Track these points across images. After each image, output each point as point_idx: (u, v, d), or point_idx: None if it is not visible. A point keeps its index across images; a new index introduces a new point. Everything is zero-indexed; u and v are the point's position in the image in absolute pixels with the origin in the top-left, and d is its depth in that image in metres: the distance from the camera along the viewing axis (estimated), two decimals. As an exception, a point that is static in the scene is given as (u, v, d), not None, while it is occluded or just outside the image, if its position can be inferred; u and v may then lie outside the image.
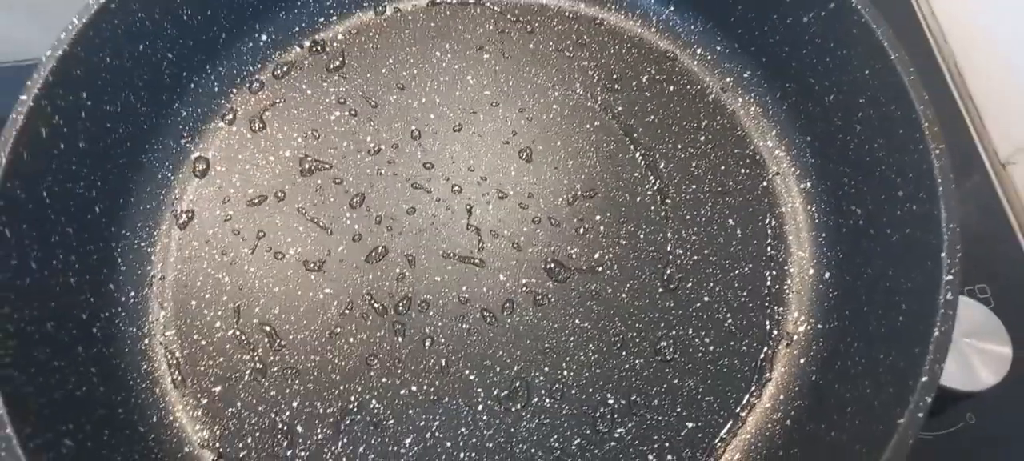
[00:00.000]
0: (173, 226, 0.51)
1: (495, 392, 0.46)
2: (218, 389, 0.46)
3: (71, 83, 0.45)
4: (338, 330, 0.47)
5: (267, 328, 0.47)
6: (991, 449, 0.51)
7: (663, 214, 0.50)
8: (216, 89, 0.54)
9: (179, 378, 0.46)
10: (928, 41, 0.67)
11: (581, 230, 0.50)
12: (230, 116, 0.54)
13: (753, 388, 0.45)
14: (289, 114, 0.54)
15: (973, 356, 0.47)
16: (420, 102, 0.54)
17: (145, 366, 0.47)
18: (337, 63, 0.55)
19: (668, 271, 0.49)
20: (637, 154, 0.52)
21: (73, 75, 0.45)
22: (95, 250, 0.47)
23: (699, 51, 0.55)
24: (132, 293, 0.48)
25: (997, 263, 0.57)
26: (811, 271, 0.48)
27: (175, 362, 0.47)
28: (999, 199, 0.60)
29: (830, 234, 0.48)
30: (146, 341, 0.47)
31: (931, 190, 0.40)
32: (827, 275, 0.47)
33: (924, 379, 0.36)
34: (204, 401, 0.46)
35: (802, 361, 0.46)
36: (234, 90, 0.55)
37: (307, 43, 0.56)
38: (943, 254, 0.38)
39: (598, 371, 0.46)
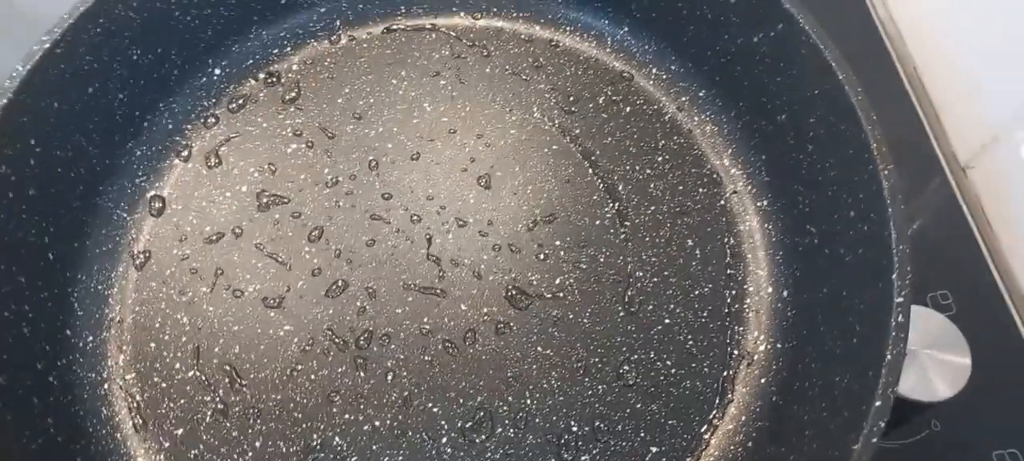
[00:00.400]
0: (130, 267, 0.50)
1: (459, 424, 0.46)
2: (180, 432, 0.46)
3: (17, 132, 0.44)
4: (299, 367, 0.47)
5: (227, 368, 0.47)
6: (957, 456, 0.51)
7: (623, 237, 0.50)
8: (170, 126, 0.54)
9: (140, 422, 0.46)
10: (885, 44, 0.68)
11: (541, 256, 0.50)
12: (185, 153, 0.53)
13: (715, 410, 0.46)
14: (245, 148, 0.53)
15: (931, 368, 0.48)
16: (377, 131, 0.54)
17: (105, 412, 0.46)
18: (293, 94, 0.55)
19: (629, 293, 0.49)
20: (595, 177, 0.52)
21: (19, 123, 0.44)
22: (50, 297, 0.46)
23: (654, 71, 0.55)
24: (90, 338, 0.48)
25: (957, 269, 0.58)
26: (769, 290, 0.48)
27: (136, 406, 0.46)
28: (959, 204, 0.60)
29: (787, 252, 0.48)
30: (106, 386, 0.47)
31: (881, 210, 0.40)
32: (785, 293, 0.48)
33: (877, 403, 0.36)
34: (166, 445, 0.45)
35: (763, 381, 0.46)
36: (189, 126, 0.54)
37: (262, 75, 0.56)
38: (894, 276, 0.38)
39: (561, 398, 0.46)
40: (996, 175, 0.61)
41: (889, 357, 0.37)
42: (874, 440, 0.36)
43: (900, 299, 0.38)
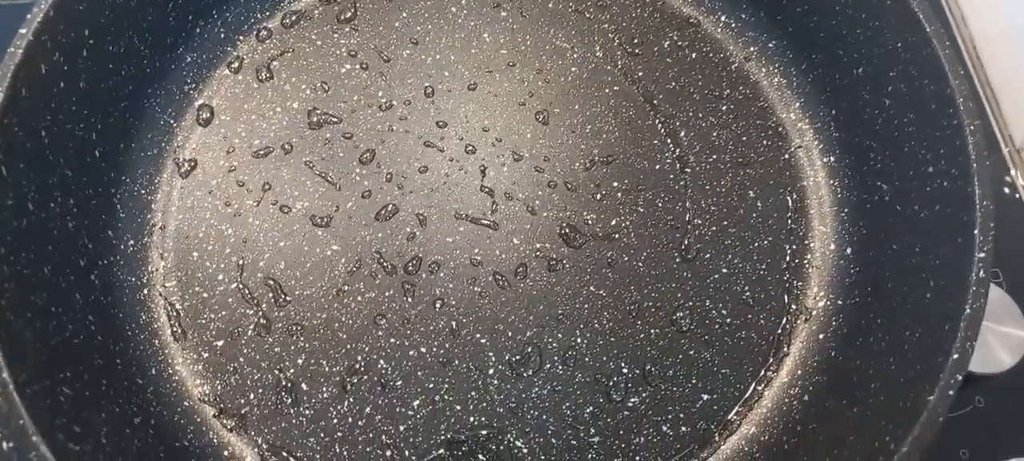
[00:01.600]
0: (175, 175, 0.49)
1: (507, 357, 0.44)
2: (220, 343, 0.45)
3: (73, 19, 0.43)
4: (345, 288, 0.46)
5: (272, 283, 0.46)
6: (1000, 432, 0.50)
7: (682, 183, 0.49)
8: (222, 36, 0.52)
9: (179, 331, 0.45)
10: (949, 23, 0.66)
11: (597, 196, 0.48)
12: (236, 64, 0.52)
13: (770, 362, 0.45)
14: (298, 65, 0.52)
15: (991, 338, 0.47)
16: (434, 58, 0.52)
17: (144, 317, 0.45)
18: (348, 14, 0.53)
19: (686, 241, 0.47)
20: (657, 121, 0.51)
21: (75, 10, 0.43)
22: (94, 195, 0.45)
23: (723, 18, 0.53)
24: (131, 241, 0.46)
25: (1011, 248, 0.57)
26: (832, 247, 0.47)
27: (175, 314, 0.45)
28: (1014, 184, 0.59)
29: (853, 210, 0.47)
30: (145, 292, 0.46)
31: (964, 166, 0.39)
32: (849, 251, 0.47)
33: (955, 356, 0.35)
34: (205, 355, 0.44)
35: (821, 337, 0.45)
36: (241, 37, 0.53)
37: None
38: (976, 231, 0.37)
39: (612, 340, 0.45)
40: (1052, 159, 0.59)
41: (969, 310, 0.36)
42: (950, 393, 0.35)
43: (982, 254, 0.37)
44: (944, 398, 0.34)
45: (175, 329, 0.45)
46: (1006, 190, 0.59)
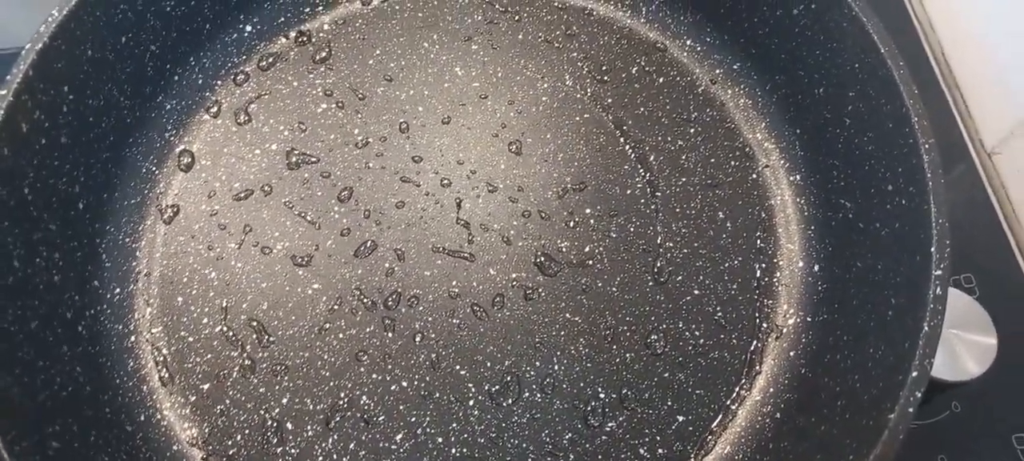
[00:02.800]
0: (158, 221, 0.50)
1: (486, 387, 0.46)
2: (206, 386, 0.46)
3: (52, 77, 0.44)
4: (327, 326, 0.47)
5: (255, 324, 0.47)
6: (977, 438, 0.51)
7: (653, 207, 0.50)
8: (200, 81, 0.53)
9: (166, 375, 0.46)
10: (915, 29, 0.68)
11: (571, 223, 0.50)
12: (215, 109, 0.53)
13: (743, 381, 0.46)
14: (275, 106, 0.53)
15: (959, 346, 0.48)
16: (408, 94, 0.53)
17: (132, 364, 0.46)
18: (323, 54, 0.55)
19: (658, 264, 0.49)
20: (627, 146, 0.52)
21: (54, 69, 0.44)
22: (79, 247, 0.46)
23: (689, 42, 0.54)
24: (118, 290, 0.48)
25: (982, 253, 0.58)
26: (800, 264, 0.48)
27: (162, 359, 0.46)
28: (985, 188, 0.60)
29: (820, 227, 0.48)
30: (132, 339, 0.47)
31: (920, 185, 0.40)
32: (816, 268, 0.48)
33: (914, 374, 0.36)
34: (192, 399, 0.45)
35: (792, 354, 0.46)
36: (219, 82, 0.54)
37: (293, 34, 0.55)
38: (932, 249, 0.38)
39: (589, 365, 0.46)
40: (1022, 161, 0.60)
41: (926, 328, 0.37)
42: (910, 410, 0.36)
43: (939, 272, 0.38)
44: (904, 416, 0.35)
45: (162, 374, 0.46)
46: (977, 195, 0.60)
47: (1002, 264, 0.57)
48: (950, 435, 0.51)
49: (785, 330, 0.47)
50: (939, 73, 0.65)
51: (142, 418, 0.45)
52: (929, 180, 0.39)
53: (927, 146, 0.40)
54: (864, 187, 0.45)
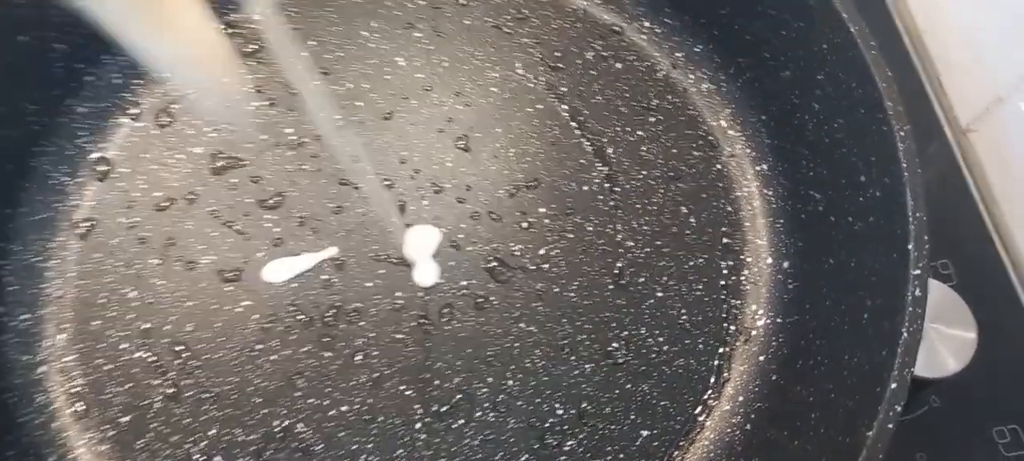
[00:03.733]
0: (71, 237, 0.45)
1: (434, 408, 0.42)
2: (126, 419, 0.42)
3: (-64, 83, 0.40)
4: (259, 347, 0.43)
5: (179, 347, 0.43)
6: (957, 432, 0.49)
7: (612, 203, 0.46)
8: (119, 81, 0.49)
9: (82, 408, 0.42)
10: (886, 2, 0.64)
11: (524, 224, 0.46)
12: (134, 110, 0.48)
13: (710, 390, 0.43)
14: (200, 106, 0.49)
15: (938, 342, 0.45)
16: (346, 88, 0.49)
17: (40, 398, 0.42)
18: (253, 47, 0.50)
19: (618, 265, 0.45)
20: (583, 139, 0.48)
21: (-62, 74, 0.40)
22: (-21, 270, 0.42)
23: (647, 24, 0.51)
24: (25, 315, 0.43)
25: (958, 236, 0.55)
26: (769, 260, 0.45)
27: (76, 391, 0.42)
28: (960, 168, 0.58)
29: (788, 220, 0.45)
30: (42, 369, 0.42)
31: (895, 175, 0.37)
32: (786, 265, 0.45)
33: (893, 386, 0.33)
34: (110, 433, 0.41)
35: (762, 358, 0.43)
36: (138, 81, 0.49)
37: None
38: (910, 245, 0.35)
39: (545, 379, 0.43)
40: (999, 138, 0.58)
41: (905, 335, 0.34)
42: (890, 426, 0.33)
43: (917, 271, 0.35)
44: (883, 432, 0.32)
45: (77, 407, 0.42)
46: (952, 175, 0.58)
47: (979, 248, 0.55)
48: (930, 431, 0.49)
49: (754, 332, 0.44)
50: (911, 47, 0.62)
51: (53, 459, 0.40)
52: (905, 170, 0.36)
53: (902, 133, 0.37)
54: (835, 177, 0.41)
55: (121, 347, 0.43)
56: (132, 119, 0.48)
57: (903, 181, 0.36)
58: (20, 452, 0.40)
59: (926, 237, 0.35)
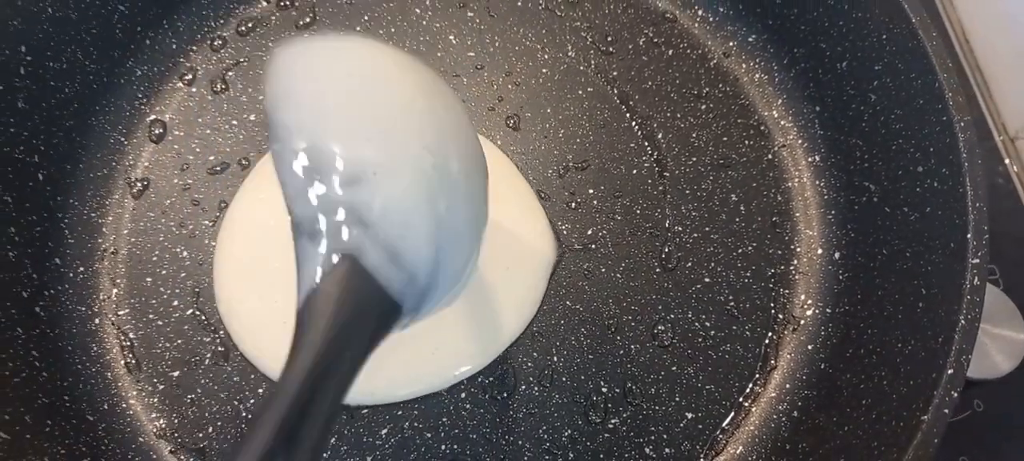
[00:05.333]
0: (127, 195, 0.46)
1: (479, 379, 0.42)
2: (176, 374, 0.42)
3: (7, 36, 0.40)
4: (308, 311, 0.43)
5: (230, 308, 0.43)
6: (1000, 436, 0.48)
7: (661, 188, 0.47)
8: (174, 46, 0.49)
9: (133, 362, 0.42)
10: (935, 5, 0.64)
11: (572, 204, 0.46)
12: (189, 76, 0.49)
13: (757, 376, 0.42)
14: (254, 75, 0.49)
15: (988, 342, 0.45)
16: (399, 63, 0.50)
17: (95, 349, 0.42)
18: (307, 20, 0.51)
19: (666, 249, 0.45)
20: (633, 123, 0.48)
21: (9, 27, 0.40)
22: (38, 221, 0.43)
23: (700, 12, 0.51)
24: (81, 269, 0.44)
25: (1006, 242, 0.54)
26: (819, 251, 0.45)
27: (128, 344, 0.43)
28: (1009, 175, 0.57)
29: (840, 211, 0.45)
30: (96, 321, 0.43)
31: (955, 165, 0.37)
32: (837, 255, 0.44)
33: (950, 372, 0.33)
34: (161, 387, 0.42)
35: (810, 347, 0.43)
36: (194, 48, 0.50)
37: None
38: (969, 235, 0.35)
39: (590, 357, 0.43)
40: (1048, 148, 0.57)
41: (963, 322, 0.33)
42: (946, 411, 0.33)
43: (976, 260, 0.35)
44: (939, 418, 0.32)
45: (128, 360, 0.42)
46: (999, 181, 0.57)
47: (1026, 255, 0.54)
48: (973, 434, 0.48)
49: (803, 322, 0.43)
50: (961, 53, 0.62)
51: (105, 407, 0.41)
52: (965, 160, 0.36)
53: (962, 124, 0.37)
54: (891, 169, 0.41)
55: (173, 305, 0.43)
56: (187, 84, 0.49)
57: (963, 171, 0.36)
58: (74, 399, 0.40)
59: (985, 227, 0.35)
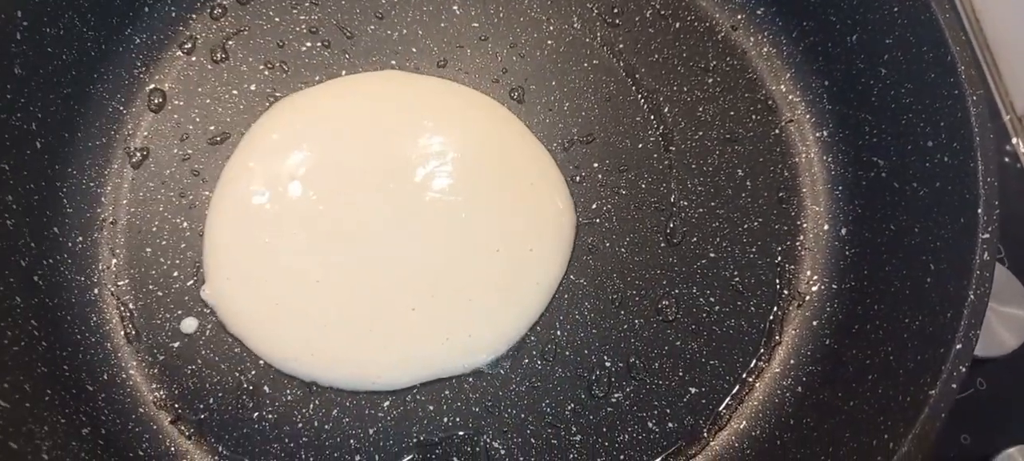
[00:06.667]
0: (126, 165, 0.46)
1: (482, 352, 0.42)
2: (176, 345, 0.42)
3: (2, 1, 0.40)
4: (310, 282, 0.43)
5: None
6: (1003, 415, 0.48)
7: (667, 162, 0.46)
8: (173, 14, 0.49)
9: (133, 332, 0.42)
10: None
11: (577, 178, 0.46)
12: (189, 44, 0.48)
13: (761, 351, 0.42)
14: (255, 43, 0.48)
15: (993, 320, 0.44)
16: (400, 33, 0.49)
17: (94, 319, 0.42)
18: (309, -12, 0.50)
19: (671, 224, 0.45)
20: (639, 96, 0.48)
21: (5, -10, 0.40)
22: (36, 190, 0.42)
23: (708, -16, 0.50)
24: (80, 238, 0.43)
25: (1013, 220, 0.54)
26: (826, 227, 0.45)
27: (128, 314, 0.42)
28: (1016, 154, 0.57)
29: (848, 187, 0.45)
30: (95, 291, 0.43)
31: (966, 140, 0.36)
32: (844, 231, 0.44)
33: (958, 346, 0.33)
34: (161, 358, 0.42)
35: (815, 323, 0.42)
36: (193, 16, 0.49)
37: None
38: (980, 210, 0.35)
39: (594, 331, 0.42)
40: (1056, 127, 0.57)
41: (972, 297, 0.33)
42: (953, 385, 0.32)
43: (986, 235, 0.34)
44: (947, 392, 0.32)
45: (128, 330, 0.42)
46: (1007, 160, 0.57)
47: (1032, 234, 0.54)
48: (974, 413, 0.48)
49: (808, 297, 0.43)
50: (970, 32, 0.61)
51: (105, 377, 0.41)
52: (977, 135, 0.36)
53: (974, 98, 0.37)
54: (900, 143, 0.41)
55: (173, 275, 0.43)
56: (186, 53, 0.48)
57: (974, 145, 0.36)
58: (74, 368, 0.40)
59: (996, 202, 0.35)
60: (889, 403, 0.34)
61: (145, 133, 0.46)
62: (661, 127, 0.47)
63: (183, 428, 0.40)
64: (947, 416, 0.47)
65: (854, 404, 0.37)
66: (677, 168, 0.46)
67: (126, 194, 0.45)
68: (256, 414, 0.40)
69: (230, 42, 0.49)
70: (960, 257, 0.35)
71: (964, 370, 0.32)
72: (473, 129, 0.46)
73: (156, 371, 0.41)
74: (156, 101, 0.47)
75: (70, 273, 0.42)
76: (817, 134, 0.46)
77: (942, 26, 0.38)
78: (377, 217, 0.43)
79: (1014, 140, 0.57)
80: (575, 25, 0.49)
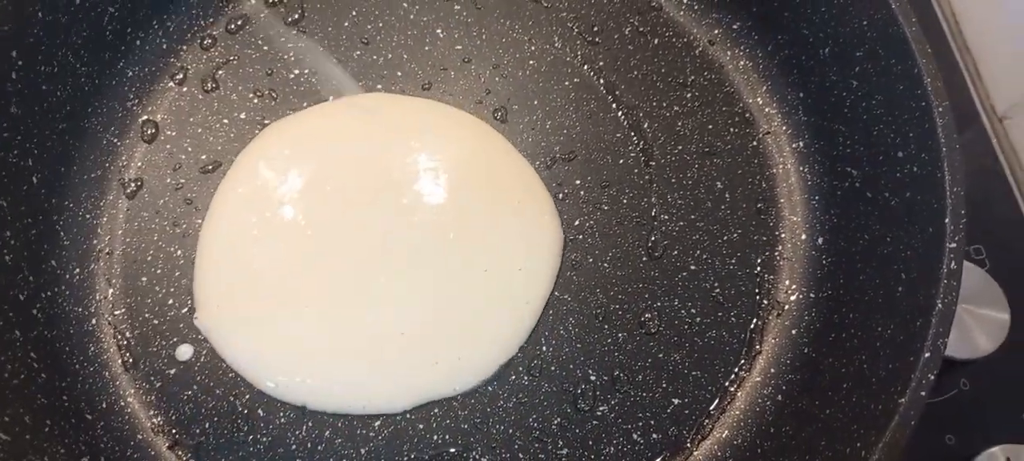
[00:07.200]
0: (120, 196, 0.47)
1: (469, 370, 0.43)
2: (172, 371, 0.43)
3: (-3, 41, 0.41)
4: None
5: (224, 305, 0.44)
6: (986, 416, 0.49)
7: (647, 177, 0.47)
8: (164, 46, 0.50)
9: (130, 360, 0.43)
10: (925, -11, 0.64)
11: (560, 195, 0.47)
12: (180, 75, 0.50)
13: (742, 361, 0.43)
14: (244, 72, 0.50)
15: (970, 322, 0.45)
16: (385, 58, 0.50)
17: (92, 349, 0.43)
18: (296, 16, 0.51)
19: (652, 238, 0.46)
20: (619, 113, 0.49)
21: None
22: (34, 224, 0.43)
23: (685, 0, 0.51)
24: (77, 270, 0.45)
25: (993, 222, 0.55)
26: (803, 237, 0.45)
27: (125, 343, 0.44)
28: (996, 155, 0.57)
29: (824, 197, 0.45)
30: (93, 321, 0.44)
31: (933, 151, 0.37)
32: (820, 241, 0.45)
33: (926, 355, 0.33)
34: (157, 384, 0.43)
35: (794, 332, 0.43)
36: (184, 47, 0.50)
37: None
38: (946, 220, 0.35)
39: (579, 346, 0.43)
40: (1036, 127, 0.57)
41: (940, 305, 0.34)
42: (923, 394, 0.33)
43: (953, 244, 0.35)
44: (915, 400, 0.33)
45: (125, 359, 0.43)
46: (987, 163, 0.57)
47: (1013, 234, 0.55)
48: (958, 414, 0.49)
49: (787, 307, 0.44)
50: (949, 35, 0.62)
51: (103, 406, 0.42)
52: (943, 146, 0.37)
53: (941, 110, 0.37)
54: (872, 154, 0.42)
55: (168, 303, 0.44)
56: (178, 84, 0.50)
57: (941, 156, 0.37)
58: (73, 398, 0.41)
59: (962, 211, 0.36)
60: (862, 411, 0.35)
61: (139, 164, 0.48)
62: (641, 142, 0.48)
63: (180, 452, 0.42)
64: (930, 417, 0.48)
65: (830, 412, 0.38)
66: (657, 182, 0.47)
67: (121, 224, 0.46)
68: (251, 437, 0.42)
69: (220, 71, 0.50)
70: (929, 266, 0.35)
71: (933, 378, 0.33)
72: (460, 148, 0.47)
73: (153, 398, 0.43)
74: (149, 132, 0.48)
75: (68, 305, 0.44)
76: (793, 145, 0.47)
77: (909, 39, 0.39)
78: (365, 241, 0.44)
79: (994, 142, 0.58)
80: (556, 44, 0.50)
